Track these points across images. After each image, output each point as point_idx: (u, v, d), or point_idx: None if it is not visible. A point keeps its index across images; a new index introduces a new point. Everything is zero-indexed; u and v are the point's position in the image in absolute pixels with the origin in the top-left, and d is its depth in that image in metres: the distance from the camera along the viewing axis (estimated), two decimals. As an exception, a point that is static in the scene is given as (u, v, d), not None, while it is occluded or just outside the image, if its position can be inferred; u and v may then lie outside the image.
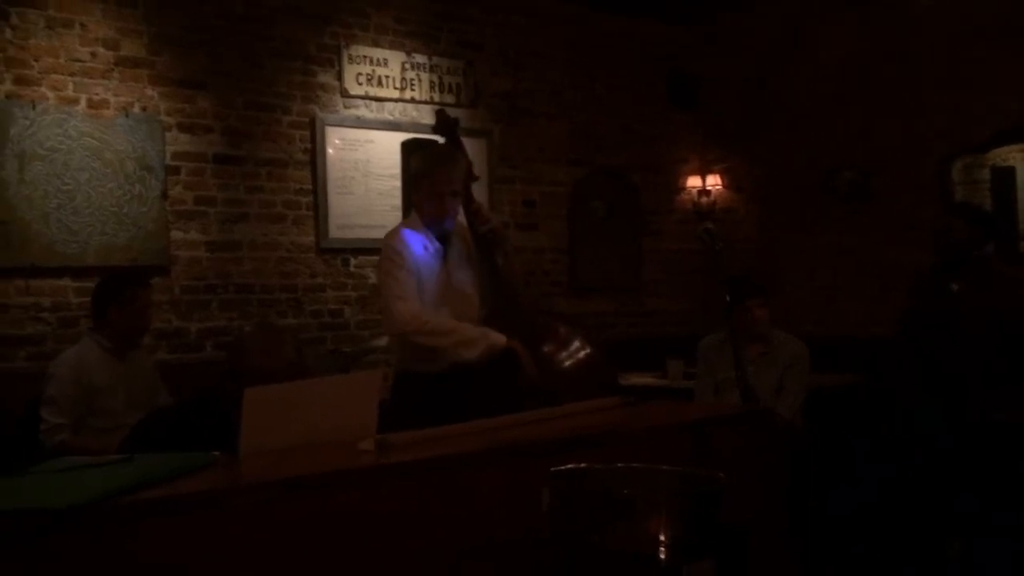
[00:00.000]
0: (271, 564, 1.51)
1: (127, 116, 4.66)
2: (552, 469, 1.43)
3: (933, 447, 3.73)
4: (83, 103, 4.56)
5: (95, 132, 4.57)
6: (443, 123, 3.49)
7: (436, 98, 5.62)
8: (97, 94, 4.60)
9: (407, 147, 4.81)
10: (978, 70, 5.35)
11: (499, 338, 3.08)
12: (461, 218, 3.35)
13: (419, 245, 3.22)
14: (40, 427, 3.50)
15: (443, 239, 3.29)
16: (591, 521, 1.34)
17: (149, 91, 4.76)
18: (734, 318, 3.29)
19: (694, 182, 6.81)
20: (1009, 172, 5.41)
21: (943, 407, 3.79)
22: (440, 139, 3.56)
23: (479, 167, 5.56)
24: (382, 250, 3.34)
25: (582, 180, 6.35)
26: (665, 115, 6.77)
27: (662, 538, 1.29)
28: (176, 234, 4.82)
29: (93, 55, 4.60)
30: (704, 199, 6.77)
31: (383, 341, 5.13)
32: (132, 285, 3.78)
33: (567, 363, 3.29)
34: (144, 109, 4.73)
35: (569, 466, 1.44)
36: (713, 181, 6.75)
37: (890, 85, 5.75)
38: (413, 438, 1.80)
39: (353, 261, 5.37)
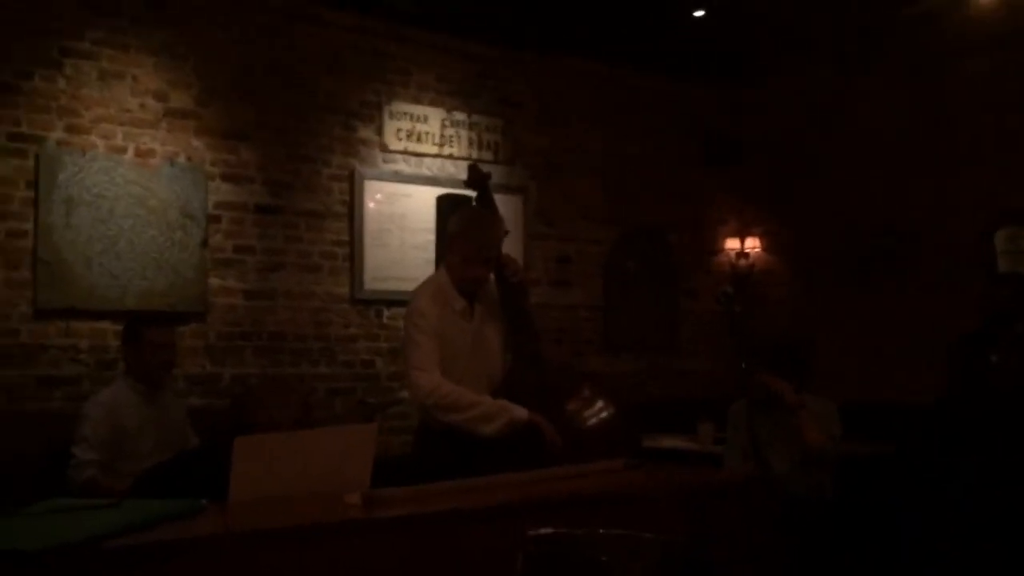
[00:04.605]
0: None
1: (172, 165, 4.81)
2: (528, 533, 1.41)
3: (961, 518, 3.61)
4: (131, 152, 4.71)
5: (141, 180, 4.71)
6: (475, 178, 3.52)
7: (474, 155, 5.70)
8: (145, 143, 4.76)
9: (442, 202, 4.87)
10: (1020, 137, 5.27)
11: (520, 413, 2.97)
12: None
13: (445, 304, 3.19)
14: (70, 463, 3.50)
15: (470, 295, 3.29)
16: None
17: (195, 142, 4.91)
18: (748, 386, 3.22)
19: (732, 244, 6.77)
20: (1055, 242, 5.29)
21: (974, 478, 3.68)
22: (472, 193, 3.59)
23: (515, 223, 5.63)
24: (407, 310, 3.29)
25: (618, 238, 6.36)
26: (702, 175, 6.77)
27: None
28: (214, 281, 4.92)
29: (142, 106, 4.77)
30: (743, 261, 6.73)
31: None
32: (140, 324, 3.80)
33: (588, 423, 3.25)
34: (189, 159, 4.88)
35: (545, 530, 1.42)
36: (752, 243, 6.71)
37: (931, 150, 5.69)
38: (402, 494, 1.79)
39: (386, 312, 5.42)
